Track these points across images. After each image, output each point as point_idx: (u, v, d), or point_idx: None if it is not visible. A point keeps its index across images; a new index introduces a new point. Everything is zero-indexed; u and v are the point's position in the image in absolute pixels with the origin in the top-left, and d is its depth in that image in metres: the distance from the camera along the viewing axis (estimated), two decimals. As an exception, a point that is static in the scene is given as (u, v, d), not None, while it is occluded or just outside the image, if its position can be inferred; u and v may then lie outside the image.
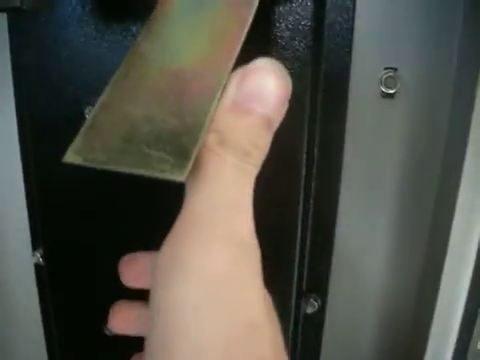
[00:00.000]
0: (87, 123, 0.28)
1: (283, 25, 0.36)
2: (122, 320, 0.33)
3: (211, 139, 0.23)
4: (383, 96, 0.37)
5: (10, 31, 0.40)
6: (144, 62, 0.31)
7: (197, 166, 0.23)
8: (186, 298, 0.21)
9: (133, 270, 0.32)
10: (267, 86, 0.24)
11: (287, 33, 0.36)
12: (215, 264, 0.21)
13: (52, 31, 0.37)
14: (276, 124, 0.25)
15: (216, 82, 0.27)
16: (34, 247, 0.48)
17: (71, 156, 0.26)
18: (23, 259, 0.50)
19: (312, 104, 0.37)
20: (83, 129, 0.27)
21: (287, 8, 0.36)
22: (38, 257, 0.48)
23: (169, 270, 0.22)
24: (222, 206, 0.22)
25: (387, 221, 0.42)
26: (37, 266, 0.49)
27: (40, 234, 0.46)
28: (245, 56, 0.27)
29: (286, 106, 0.25)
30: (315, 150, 0.39)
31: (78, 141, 0.27)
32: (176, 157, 0.24)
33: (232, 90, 0.24)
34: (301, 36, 0.36)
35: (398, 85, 0.37)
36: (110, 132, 0.27)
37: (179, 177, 0.23)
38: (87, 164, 0.26)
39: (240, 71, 0.25)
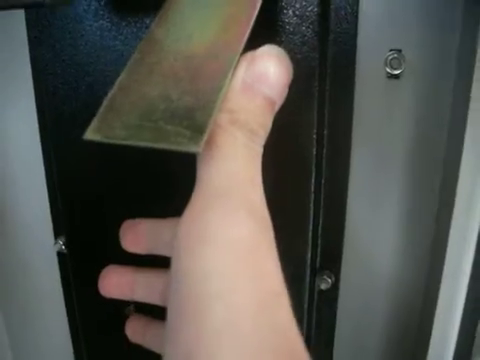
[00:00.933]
0: (105, 103, 0.29)
1: (291, 11, 0.37)
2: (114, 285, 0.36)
3: (224, 118, 0.25)
4: (388, 77, 0.39)
5: (28, 26, 0.42)
6: (158, 47, 0.32)
7: (211, 143, 0.24)
8: (216, 265, 0.21)
9: (133, 234, 0.34)
10: (273, 70, 0.26)
11: (294, 19, 0.37)
12: (240, 233, 0.22)
13: (69, 25, 0.39)
14: (277, 107, 0.27)
15: (227, 64, 0.29)
16: (56, 235, 0.50)
17: (91, 134, 0.27)
18: (46, 247, 0.51)
19: (320, 87, 0.38)
20: (101, 109, 0.29)
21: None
22: (60, 245, 0.49)
23: (195, 238, 0.22)
24: (239, 180, 0.24)
25: (395, 200, 0.43)
26: (59, 254, 0.51)
27: (62, 222, 0.48)
28: (255, 41, 0.29)
29: (286, 91, 0.27)
30: (325, 131, 0.41)
31: (97, 120, 0.28)
32: (192, 131, 0.26)
33: (241, 72, 0.26)
34: (308, 22, 0.37)
35: (403, 66, 0.38)
36: (128, 111, 0.29)
37: (195, 148, 0.24)
38: (107, 140, 0.27)
39: (249, 54, 0.27)
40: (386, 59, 0.38)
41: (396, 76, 0.39)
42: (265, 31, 0.32)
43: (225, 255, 0.22)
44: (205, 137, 0.25)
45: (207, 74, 0.30)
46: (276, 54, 0.26)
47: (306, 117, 0.38)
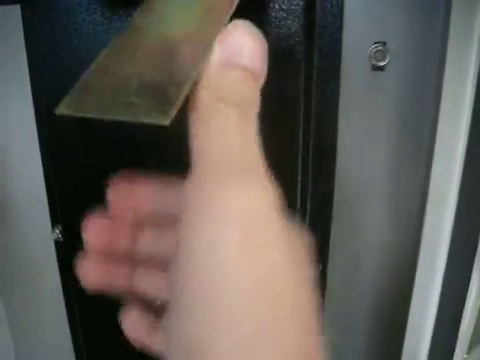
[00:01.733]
0: (79, 81, 0.30)
1: (277, 5, 0.38)
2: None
3: (210, 98, 0.25)
4: (373, 69, 0.40)
5: (24, 21, 0.43)
6: (138, 33, 0.34)
7: (204, 124, 0.25)
8: (221, 241, 0.21)
9: (119, 193, 0.34)
10: (246, 40, 0.26)
11: (281, 13, 0.38)
12: (245, 205, 0.22)
13: (63, 19, 0.40)
14: (261, 79, 0.27)
15: (204, 47, 0.30)
16: (53, 224, 0.51)
17: (63, 108, 0.28)
18: (44, 236, 0.52)
19: (306, 79, 0.40)
20: (75, 86, 0.30)
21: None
22: (57, 233, 0.50)
23: (199, 213, 0.23)
24: (239, 153, 0.24)
25: (379, 189, 0.44)
26: (57, 242, 0.52)
27: (59, 211, 0.49)
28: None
29: (266, 62, 0.27)
30: (311, 123, 0.42)
31: (70, 96, 0.29)
32: (162, 104, 0.26)
33: (216, 50, 0.27)
34: (294, 15, 0.38)
35: (387, 58, 0.39)
36: (101, 88, 0.29)
37: (163, 121, 0.25)
38: (77, 114, 0.27)
39: (222, 33, 0.27)
40: (371, 51, 0.39)
41: (381, 68, 0.40)
42: (252, 24, 0.33)
43: (231, 230, 0.22)
44: (174, 110, 0.26)
45: (184, 56, 0.31)
46: (245, 26, 0.27)
47: (293, 108, 0.40)
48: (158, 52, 0.32)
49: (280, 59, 0.39)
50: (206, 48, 0.30)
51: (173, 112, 0.26)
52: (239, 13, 0.33)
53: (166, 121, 0.25)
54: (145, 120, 0.27)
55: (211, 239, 0.22)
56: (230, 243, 0.21)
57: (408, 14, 0.39)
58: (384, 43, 0.39)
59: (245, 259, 0.21)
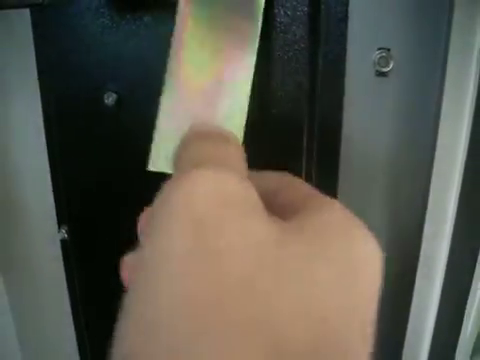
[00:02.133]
0: (155, 133, 0.33)
1: (282, 11, 0.39)
2: None
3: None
4: (377, 75, 0.40)
5: (33, 24, 0.44)
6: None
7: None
8: (170, 243, 0.18)
9: None
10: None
11: (286, 19, 0.39)
12: (200, 206, 0.19)
13: (72, 22, 0.41)
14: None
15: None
16: (60, 224, 0.52)
17: (151, 166, 0.32)
18: (50, 235, 0.53)
19: (311, 85, 0.40)
20: (154, 141, 0.33)
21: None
22: (64, 233, 0.51)
23: (154, 215, 0.20)
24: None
25: (380, 205, 0.44)
26: (63, 242, 0.53)
27: (65, 211, 0.50)
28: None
29: None
30: (315, 127, 0.42)
31: (152, 152, 0.32)
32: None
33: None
34: (299, 21, 0.39)
35: (391, 64, 0.40)
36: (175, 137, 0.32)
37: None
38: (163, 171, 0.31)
39: None
40: (375, 57, 0.40)
41: (384, 74, 0.40)
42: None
43: (182, 232, 0.18)
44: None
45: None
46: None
47: (297, 113, 0.40)
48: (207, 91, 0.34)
49: (285, 65, 0.39)
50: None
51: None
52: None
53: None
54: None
55: (165, 242, 0.19)
56: (186, 248, 0.18)
57: (411, 21, 0.39)
58: (388, 49, 0.39)
59: (204, 268, 0.18)
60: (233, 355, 0.17)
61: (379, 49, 0.40)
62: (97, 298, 0.52)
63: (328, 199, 0.24)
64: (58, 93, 0.43)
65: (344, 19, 0.40)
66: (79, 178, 0.47)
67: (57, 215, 0.51)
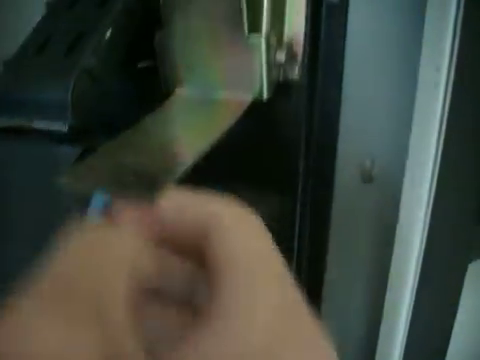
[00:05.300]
0: (85, 160, 0.34)
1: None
2: None
3: None
4: (363, 181, 0.44)
5: None
6: (145, 131, 0.39)
7: None
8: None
9: None
10: None
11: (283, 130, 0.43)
12: None
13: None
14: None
15: (196, 149, 0.35)
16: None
17: (64, 180, 0.32)
18: None
19: (303, 187, 0.44)
20: (80, 162, 0.34)
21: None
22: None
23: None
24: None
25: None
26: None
27: None
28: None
29: None
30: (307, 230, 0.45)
31: (72, 169, 0.34)
32: (150, 190, 0.30)
33: None
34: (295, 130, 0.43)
35: (375, 171, 0.43)
36: (102, 168, 0.34)
37: (149, 202, 0.29)
38: (75, 190, 0.31)
39: None
40: (360, 166, 0.43)
41: (369, 181, 0.44)
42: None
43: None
44: (161, 193, 0.29)
45: (178, 154, 0.36)
46: None
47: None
48: (157, 149, 0.36)
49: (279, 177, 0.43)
50: (196, 151, 0.35)
51: (159, 194, 0.30)
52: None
53: (151, 203, 0.29)
54: (134, 198, 0.31)
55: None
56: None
57: (396, 133, 0.43)
58: (372, 159, 0.43)
59: None
60: None
61: (365, 158, 0.43)
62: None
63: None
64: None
65: (335, 131, 0.44)
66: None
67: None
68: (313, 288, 0.47)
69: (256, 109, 0.40)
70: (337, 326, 0.49)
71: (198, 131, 0.39)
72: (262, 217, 0.29)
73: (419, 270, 0.42)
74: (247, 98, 0.40)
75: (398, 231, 0.42)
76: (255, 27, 0.39)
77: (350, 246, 0.46)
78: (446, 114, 0.37)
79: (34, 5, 0.47)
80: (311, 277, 0.46)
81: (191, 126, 0.40)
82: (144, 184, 0.32)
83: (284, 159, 0.44)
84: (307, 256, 0.46)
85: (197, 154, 0.35)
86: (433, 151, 0.39)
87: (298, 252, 0.45)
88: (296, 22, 0.41)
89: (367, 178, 0.43)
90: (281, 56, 0.40)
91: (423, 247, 0.41)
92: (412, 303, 0.42)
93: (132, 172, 0.33)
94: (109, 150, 0.37)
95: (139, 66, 0.44)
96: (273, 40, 0.40)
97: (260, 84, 0.40)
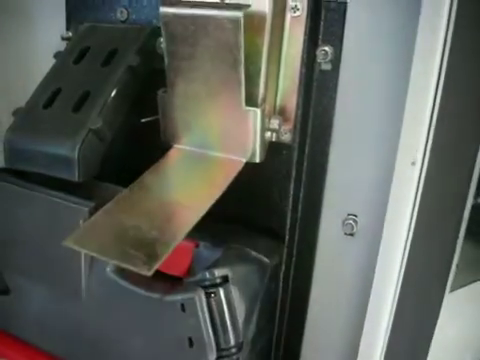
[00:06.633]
0: (89, 221, 0.38)
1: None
2: None
3: None
4: (346, 235, 0.47)
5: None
6: (145, 190, 0.42)
7: None
8: None
9: None
10: None
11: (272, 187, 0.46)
12: None
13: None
14: None
15: (194, 215, 0.38)
16: None
17: (70, 242, 0.36)
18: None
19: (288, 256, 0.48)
20: (85, 223, 0.38)
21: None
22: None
23: None
24: None
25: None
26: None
27: None
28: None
29: None
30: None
31: (78, 232, 0.37)
32: (149, 258, 0.34)
33: None
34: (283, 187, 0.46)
35: (356, 227, 0.47)
36: (104, 232, 0.38)
37: (146, 273, 0.33)
38: (82, 250, 0.35)
39: None
40: (343, 221, 0.47)
41: (351, 234, 0.47)
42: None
43: None
44: (157, 265, 0.33)
45: (176, 219, 0.39)
46: None
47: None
48: (156, 210, 0.40)
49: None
50: (196, 216, 0.38)
51: (156, 266, 0.34)
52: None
53: (148, 273, 0.33)
54: (132, 268, 0.34)
55: None
56: None
57: (378, 190, 0.46)
58: (355, 215, 0.47)
59: None
60: None
61: (348, 214, 0.47)
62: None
63: None
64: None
65: (320, 187, 0.47)
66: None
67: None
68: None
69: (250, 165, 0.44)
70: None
71: (196, 191, 0.42)
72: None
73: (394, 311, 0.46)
74: (241, 159, 0.44)
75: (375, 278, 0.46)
76: (251, 98, 0.42)
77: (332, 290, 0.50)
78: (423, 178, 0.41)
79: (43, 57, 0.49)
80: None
81: (189, 185, 0.43)
82: (143, 253, 0.35)
83: (274, 211, 0.47)
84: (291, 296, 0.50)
85: (195, 220, 0.38)
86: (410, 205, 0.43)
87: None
88: (289, 89, 0.44)
89: (349, 232, 0.47)
90: (275, 123, 0.43)
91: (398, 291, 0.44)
92: (385, 347, 0.46)
93: (132, 238, 0.37)
94: (112, 210, 0.40)
95: (142, 121, 0.47)
96: (267, 108, 0.43)
97: (253, 149, 0.43)
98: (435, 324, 0.52)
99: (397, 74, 0.42)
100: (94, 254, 0.35)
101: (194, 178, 0.44)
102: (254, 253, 0.44)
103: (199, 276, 0.39)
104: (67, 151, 0.42)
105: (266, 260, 0.45)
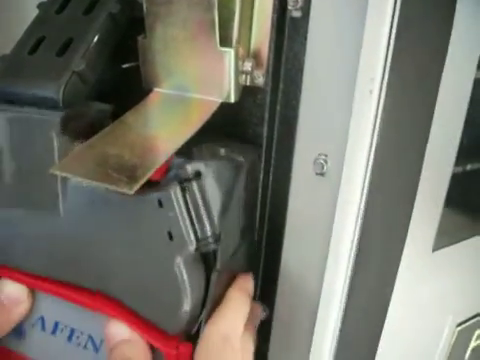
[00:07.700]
0: (74, 151, 0.42)
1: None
2: None
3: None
4: (317, 174, 0.50)
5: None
6: (127, 127, 0.45)
7: None
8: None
9: None
10: None
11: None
12: None
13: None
14: None
15: (172, 146, 0.42)
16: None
17: (56, 169, 0.39)
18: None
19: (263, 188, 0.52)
20: (70, 153, 0.41)
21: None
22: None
23: None
24: None
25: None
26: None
27: None
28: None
29: None
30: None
31: (64, 160, 0.41)
32: (130, 179, 0.37)
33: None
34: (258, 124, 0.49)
35: (327, 166, 0.49)
36: (88, 159, 0.41)
37: (128, 191, 0.36)
38: (68, 176, 0.39)
39: None
40: (315, 160, 0.50)
41: (321, 174, 0.50)
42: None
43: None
44: (138, 185, 0.37)
45: (155, 149, 0.43)
46: None
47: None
48: (137, 142, 0.43)
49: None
50: (172, 147, 0.41)
51: (137, 186, 0.37)
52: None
53: (130, 192, 0.36)
54: (115, 188, 0.38)
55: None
56: None
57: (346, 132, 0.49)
58: (326, 155, 0.50)
59: None
60: None
61: (319, 154, 0.50)
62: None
63: None
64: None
65: (293, 123, 0.50)
66: None
67: None
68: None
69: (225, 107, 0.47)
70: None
71: (174, 128, 0.45)
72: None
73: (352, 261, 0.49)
74: (217, 100, 0.46)
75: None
76: (225, 40, 0.45)
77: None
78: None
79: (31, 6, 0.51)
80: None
81: (167, 123, 0.46)
82: (125, 175, 0.38)
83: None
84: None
85: (173, 149, 0.41)
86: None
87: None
88: (262, 34, 0.47)
89: (320, 171, 0.50)
90: (248, 65, 0.46)
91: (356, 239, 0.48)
92: (346, 290, 0.49)
93: (114, 163, 0.40)
94: (95, 143, 0.43)
95: (123, 67, 0.49)
96: (241, 51, 0.46)
97: (228, 89, 0.46)
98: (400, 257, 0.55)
99: (364, 21, 0.44)
100: (79, 178, 0.38)
101: (173, 116, 0.46)
102: (227, 151, 0.47)
103: (173, 172, 0.42)
104: (51, 92, 0.45)
105: (241, 159, 0.47)
